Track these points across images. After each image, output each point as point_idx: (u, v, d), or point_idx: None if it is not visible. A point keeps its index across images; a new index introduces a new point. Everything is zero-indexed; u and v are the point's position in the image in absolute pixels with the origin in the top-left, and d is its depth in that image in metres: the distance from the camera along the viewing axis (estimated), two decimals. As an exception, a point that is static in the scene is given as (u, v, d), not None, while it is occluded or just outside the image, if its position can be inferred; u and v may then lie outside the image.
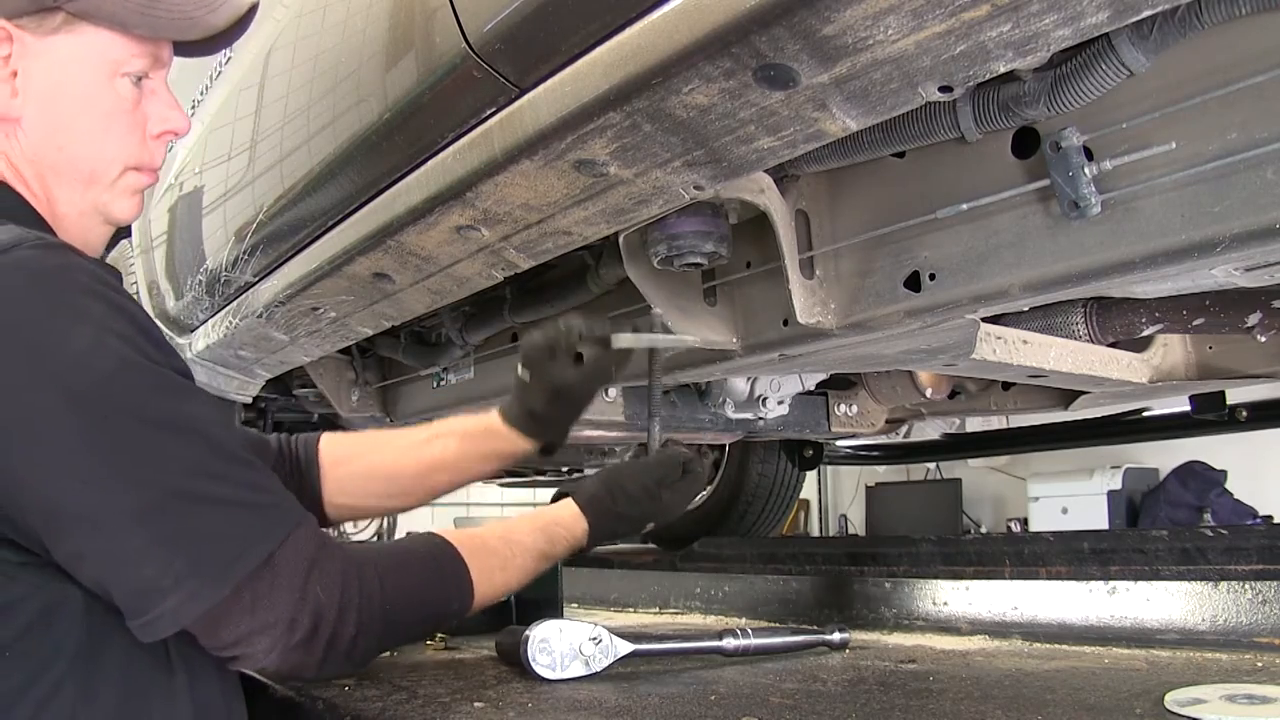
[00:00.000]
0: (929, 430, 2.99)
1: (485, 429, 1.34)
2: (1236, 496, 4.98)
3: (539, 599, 1.76)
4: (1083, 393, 1.98)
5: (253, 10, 1.05)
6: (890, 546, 2.12)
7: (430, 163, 1.17)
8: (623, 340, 1.30)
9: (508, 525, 1.20)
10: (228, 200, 1.74)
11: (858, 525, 6.76)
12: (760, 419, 2.16)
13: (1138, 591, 1.49)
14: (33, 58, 0.91)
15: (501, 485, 4.98)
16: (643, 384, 1.48)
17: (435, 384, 2.36)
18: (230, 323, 1.85)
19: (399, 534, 4.22)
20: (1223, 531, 1.57)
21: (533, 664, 1.30)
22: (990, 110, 1.07)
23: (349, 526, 5.75)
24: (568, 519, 1.23)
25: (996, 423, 3.36)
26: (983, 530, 6.17)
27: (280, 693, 1.36)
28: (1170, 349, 1.86)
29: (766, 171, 1.24)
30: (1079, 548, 1.70)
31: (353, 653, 0.93)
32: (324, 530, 0.98)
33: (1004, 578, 1.71)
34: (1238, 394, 2.40)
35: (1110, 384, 1.75)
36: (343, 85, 1.31)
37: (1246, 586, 1.39)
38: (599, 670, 1.32)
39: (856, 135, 1.04)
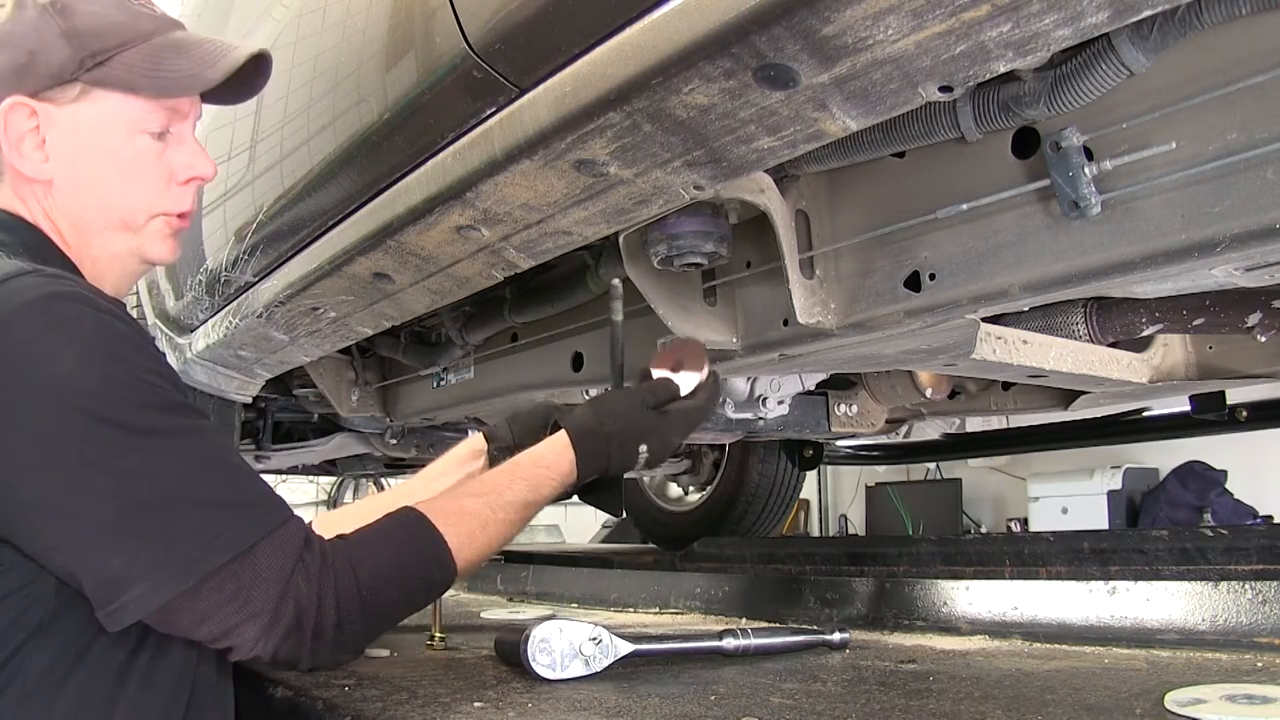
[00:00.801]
0: (929, 430, 2.99)
1: (472, 451, 1.38)
2: (1236, 496, 4.97)
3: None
4: (1083, 393, 1.98)
5: (265, 60, 1.12)
6: (890, 546, 2.12)
7: (430, 163, 1.17)
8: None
9: (488, 481, 1.17)
10: (228, 200, 1.74)
11: (858, 525, 6.75)
12: (760, 419, 2.16)
13: (1138, 591, 1.49)
14: (58, 126, 1.01)
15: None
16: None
17: (435, 384, 2.37)
18: (230, 323, 1.85)
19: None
20: (1223, 531, 1.57)
21: (533, 664, 1.30)
22: (990, 110, 1.07)
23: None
24: (552, 456, 1.19)
25: (996, 423, 3.36)
26: (983, 530, 6.17)
27: (280, 693, 1.36)
28: (1170, 349, 1.86)
29: (766, 171, 1.25)
30: (1079, 548, 1.70)
31: (341, 640, 0.95)
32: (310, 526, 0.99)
33: (1004, 578, 1.71)
34: (1238, 394, 2.40)
35: (1110, 384, 1.75)
36: (343, 85, 1.31)
37: (1246, 586, 1.39)
38: (599, 670, 1.32)
39: (856, 135, 1.04)
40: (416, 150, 1.18)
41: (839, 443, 3.67)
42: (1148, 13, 0.73)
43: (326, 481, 7.55)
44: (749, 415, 2.13)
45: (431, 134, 1.15)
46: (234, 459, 0.96)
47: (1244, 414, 2.59)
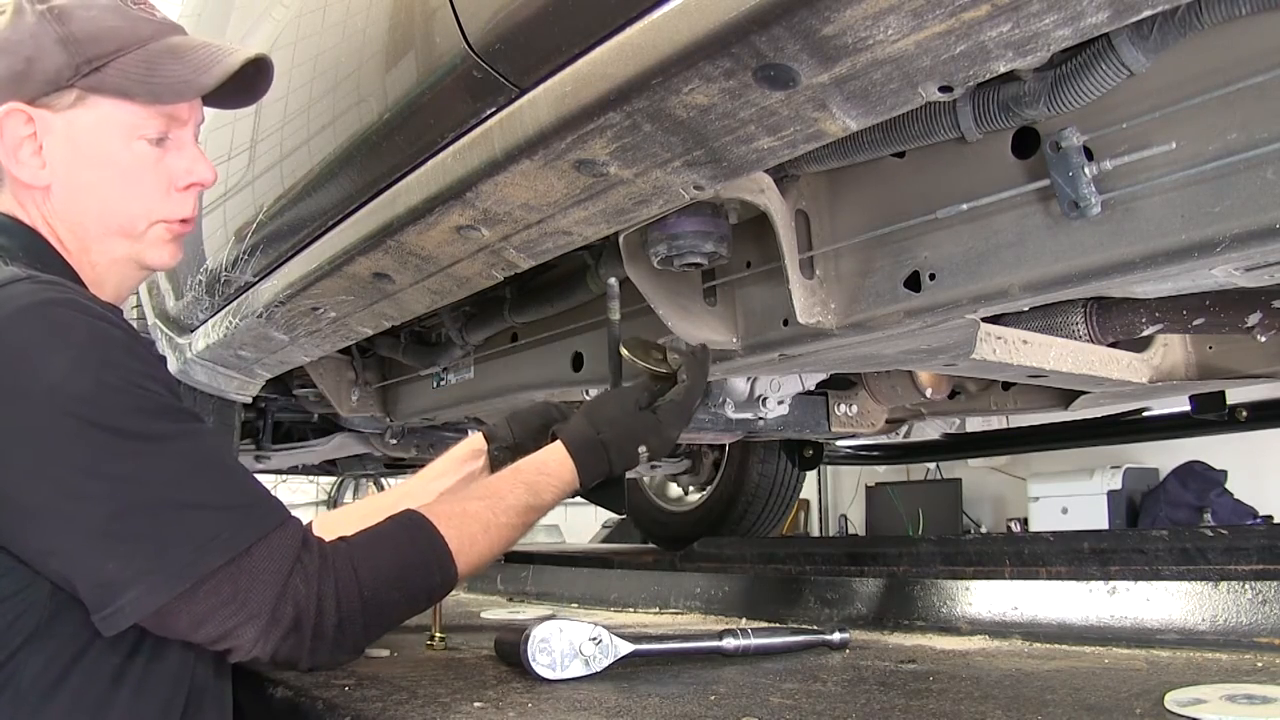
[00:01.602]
0: (929, 430, 2.98)
1: (472, 450, 1.38)
2: (1236, 496, 4.97)
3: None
4: (1083, 393, 1.98)
5: (265, 64, 1.13)
6: (890, 546, 2.12)
7: (430, 163, 1.17)
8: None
9: (491, 485, 1.19)
10: (228, 200, 1.74)
11: (858, 525, 6.75)
12: (760, 419, 2.15)
13: (1138, 591, 1.49)
14: (54, 132, 1.01)
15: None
16: None
17: (435, 384, 2.36)
18: (230, 323, 1.85)
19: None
20: (1223, 531, 1.57)
21: (533, 664, 1.30)
22: (990, 110, 1.07)
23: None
24: (554, 464, 1.21)
25: (996, 423, 3.36)
26: (983, 530, 6.16)
27: (280, 693, 1.36)
28: (1170, 349, 1.86)
29: (766, 171, 1.24)
30: (1079, 548, 1.70)
31: (341, 640, 0.95)
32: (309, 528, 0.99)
33: (1004, 578, 1.71)
34: (1238, 394, 2.40)
35: (1110, 384, 1.75)
36: (343, 85, 1.31)
37: (1246, 586, 1.39)
38: (599, 670, 1.32)
39: (856, 135, 1.04)
40: (416, 150, 1.18)
41: (839, 443, 3.67)
42: (1148, 13, 0.73)
43: (326, 481, 7.55)
44: (749, 415, 2.13)
45: (431, 134, 1.15)
46: (229, 462, 0.97)
47: (1244, 414, 2.59)
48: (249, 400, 2.35)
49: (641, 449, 1.25)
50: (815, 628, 1.59)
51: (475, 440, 1.39)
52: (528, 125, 1.00)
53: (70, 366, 0.87)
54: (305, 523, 1.01)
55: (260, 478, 1.01)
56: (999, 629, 1.61)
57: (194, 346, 2.09)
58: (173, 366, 2.27)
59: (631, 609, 2.33)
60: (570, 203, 1.11)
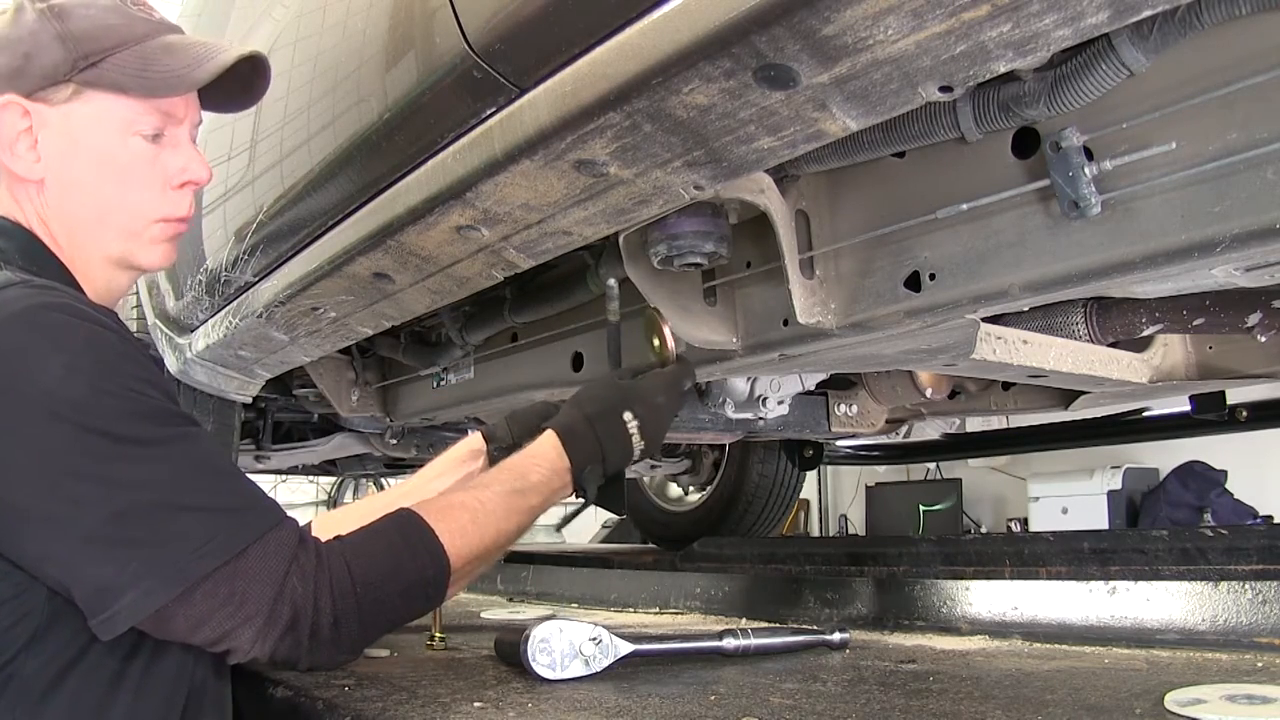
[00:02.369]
0: (929, 430, 2.99)
1: (471, 451, 1.37)
2: (1236, 496, 4.98)
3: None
4: (1083, 393, 1.98)
5: (262, 65, 1.14)
6: (890, 546, 2.12)
7: (430, 163, 1.17)
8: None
9: (478, 478, 1.18)
10: (228, 200, 1.74)
11: (858, 525, 6.75)
12: (760, 419, 2.16)
13: (1138, 591, 1.49)
14: (50, 125, 1.02)
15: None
16: None
17: (435, 384, 2.36)
18: (230, 323, 1.85)
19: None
20: (1223, 531, 1.57)
21: (533, 664, 1.30)
22: (990, 110, 1.07)
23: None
24: (537, 447, 1.19)
25: (996, 423, 3.36)
26: (983, 530, 6.16)
27: (280, 693, 1.36)
28: (1170, 349, 1.86)
29: (766, 171, 1.24)
30: (1079, 548, 1.70)
31: (339, 639, 0.95)
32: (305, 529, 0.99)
33: (1004, 578, 1.71)
34: (1238, 394, 2.40)
35: (1110, 384, 1.75)
36: (343, 85, 1.31)
37: (1246, 586, 1.39)
38: (599, 670, 1.32)
39: (856, 135, 1.04)
40: (416, 150, 1.18)
41: (839, 443, 3.66)
42: (1148, 13, 0.73)
43: (326, 481, 7.55)
44: (749, 415, 2.13)
45: (431, 134, 1.15)
46: (224, 465, 0.96)
47: (1244, 414, 2.59)
48: (249, 400, 2.35)
49: (628, 415, 1.21)
50: (815, 628, 1.60)
51: (474, 440, 1.39)
52: (528, 125, 1.00)
53: (65, 371, 0.87)
54: (303, 524, 1.01)
55: (260, 478, 1.01)
56: (999, 629, 1.61)
57: (194, 346, 2.09)
58: (173, 367, 2.27)
59: (631, 609, 2.33)
60: (570, 203, 1.11)
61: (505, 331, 2.04)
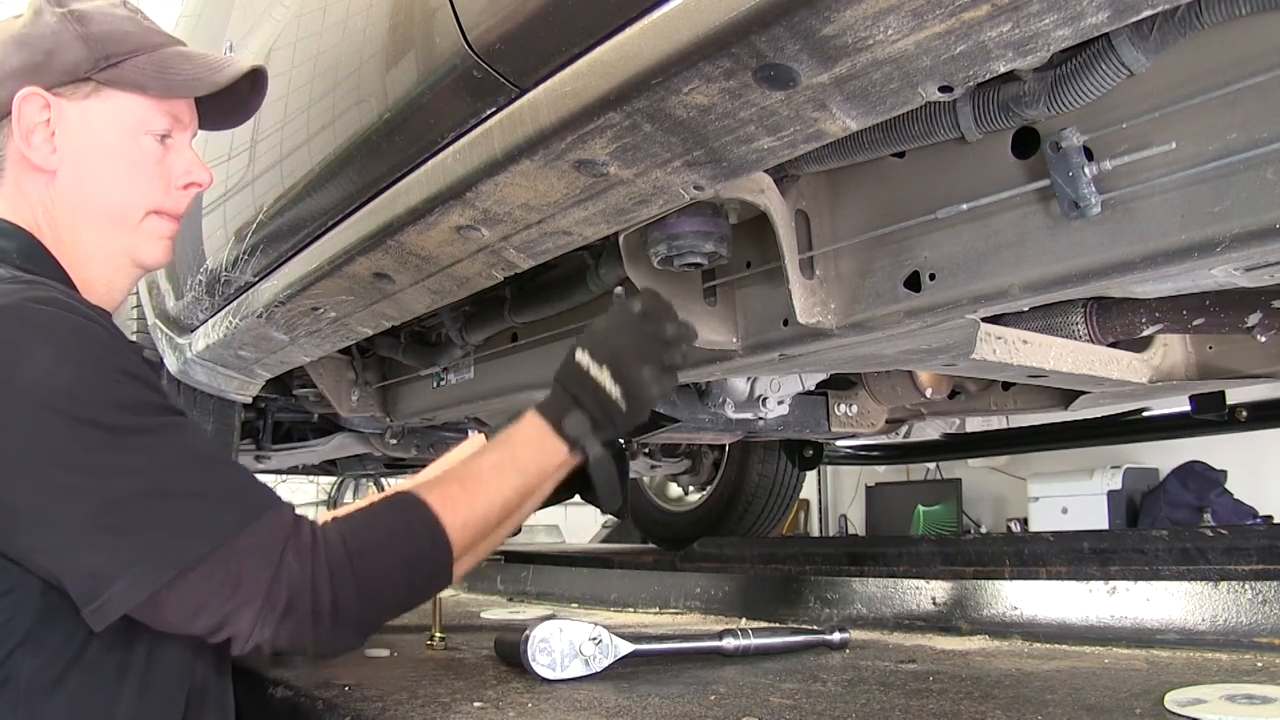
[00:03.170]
0: (929, 430, 2.99)
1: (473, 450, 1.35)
2: (1236, 496, 4.97)
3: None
4: (1083, 393, 1.98)
5: (262, 82, 1.17)
6: (890, 546, 2.12)
7: (430, 163, 1.17)
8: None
9: (468, 454, 1.18)
10: (228, 200, 1.74)
11: (858, 525, 6.75)
12: (760, 419, 2.16)
13: (1138, 591, 1.49)
14: (68, 119, 1.05)
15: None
16: None
17: (435, 384, 2.36)
18: (230, 323, 1.85)
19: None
20: (1223, 531, 1.58)
21: (533, 664, 1.30)
22: (990, 110, 1.07)
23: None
24: (517, 421, 1.17)
25: (996, 423, 3.36)
26: (983, 530, 6.17)
27: (280, 693, 1.36)
28: (1170, 349, 1.86)
29: (766, 171, 1.24)
30: (1079, 548, 1.70)
31: (341, 618, 0.93)
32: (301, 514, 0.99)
33: (1004, 578, 1.71)
34: (1238, 394, 2.40)
35: (1110, 384, 1.75)
36: (343, 85, 1.31)
37: (1246, 586, 1.39)
38: (599, 670, 1.32)
39: (856, 135, 1.04)
40: (416, 150, 1.18)
41: (839, 443, 3.67)
42: (1148, 13, 0.73)
43: (326, 481, 7.55)
44: (749, 415, 2.13)
45: (431, 134, 1.15)
46: (215, 452, 0.96)
47: (1244, 414, 2.59)
48: (249, 400, 2.35)
49: (578, 354, 1.17)
50: (815, 628, 1.60)
51: (475, 441, 1.39)
52: (528, 125, 1.00)
53: (52, 363, 0.87)
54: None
55: (260, 478, 1.01)
56: (999, 629, 1.61)
57: (194, 346, 2.09)
58: (173, 367, 2.27)
59: (631, 609, 2.33)
60: (570, 203, 1.11)
61: (505, 331, 2.04)
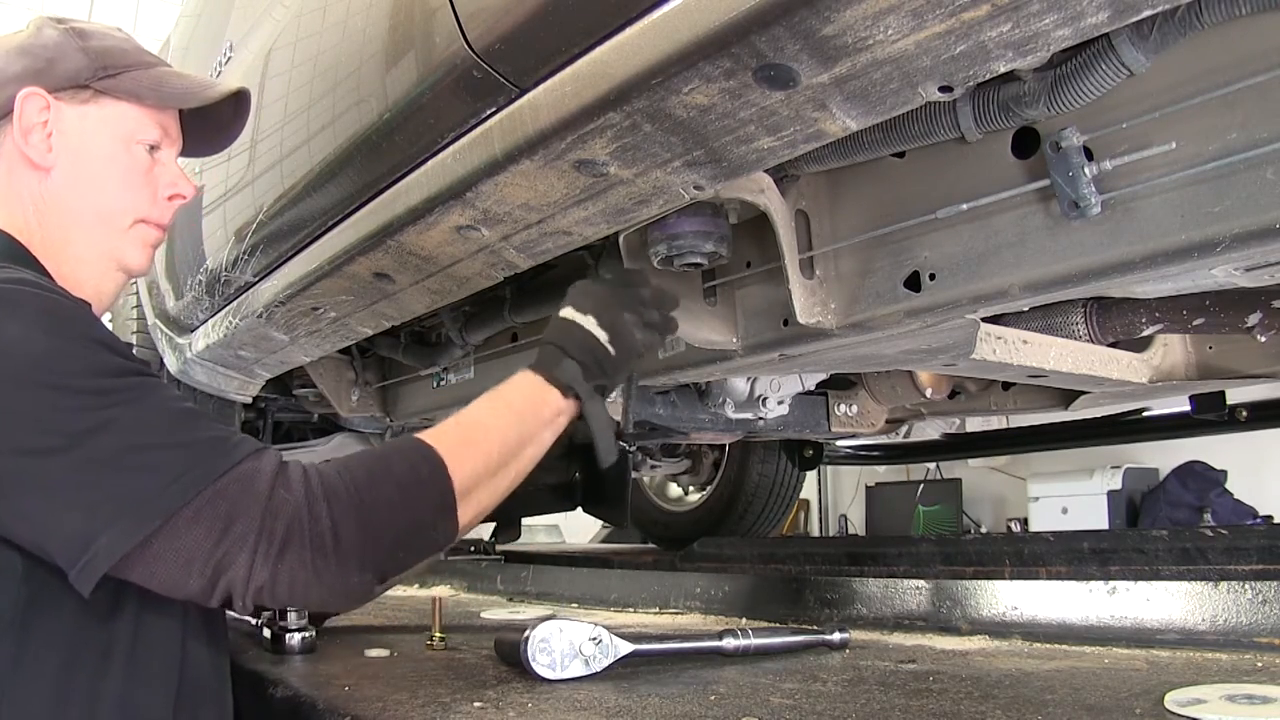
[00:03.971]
0: (929, 430, 2.99)
1: None
2: (1236, 496, 4.97)
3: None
4: (1083, 393, 1.98)
5: (245, 100, 1.23)
6: (890, 546, 2.12)
7: (430, 163, 1.17)
8: None
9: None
10: (228, 200, 1.74)
11: (858, 525, 6.75)
12: (760, 419, 2.16)
13: (1138, 591, 1.49)
14: (65, 121, 1.09)
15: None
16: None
17: (435, 384, 2.36)
18: (230, 323, 1.85)
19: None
20: (1223, 531, 1.57)
21: (533, 664, 1.30)
22: (990, 110, 1.07)
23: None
24: (512, 376, 1.19)
25: (996, 423, 3.36)
26: (983, 530, 6.16)
27: (280, 693, 1.36)
28: (1170, 349, 1.86)
29: (766, 171, 1.25)
30: (1079, 548, 1.70)
31: (343, 548, 0.91)
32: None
33: (1004, 578, 1.71)
34: (1238, 394, 2.40)
35: (1110, 384, 1.75)
36: (343, 85, 1.31)
37: (1246, 586, 1.39)
38: (599, 670, 1.32)
39: (856, 135, 1.04)
40: (416, 150, 1.18)
41: (839, 443, 3.67)
42: (1148, 13, 0.73)
43: (326, 481, 7.54)
44: (749, 415, 2.13)
45: (431, 134, 1.15)
46: (190, 407, 0.96)
47: (1244, 414, 2.59)
48: (249, 400, 2.36)
49: (565, 310, 1.20)
50: (815, 628, 1.59)
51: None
52: (528, 125, 1.00)
53: (21, 333, 0.88)
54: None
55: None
56: (999, 629, 1.61)
57: (194, 346, 2.09)
58: (173, 367, 2.27)
59: (631, 609, 2.33)
60: (570, 203, 1.11)
61: (505, 331, 2.04)
